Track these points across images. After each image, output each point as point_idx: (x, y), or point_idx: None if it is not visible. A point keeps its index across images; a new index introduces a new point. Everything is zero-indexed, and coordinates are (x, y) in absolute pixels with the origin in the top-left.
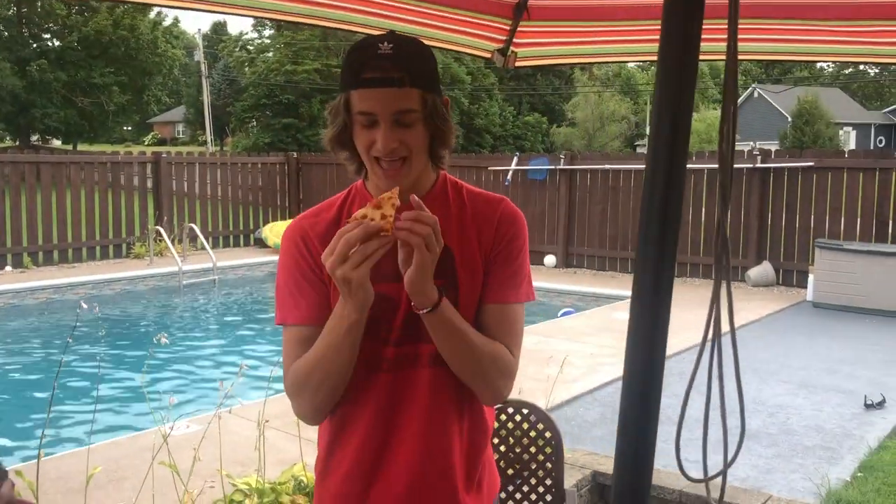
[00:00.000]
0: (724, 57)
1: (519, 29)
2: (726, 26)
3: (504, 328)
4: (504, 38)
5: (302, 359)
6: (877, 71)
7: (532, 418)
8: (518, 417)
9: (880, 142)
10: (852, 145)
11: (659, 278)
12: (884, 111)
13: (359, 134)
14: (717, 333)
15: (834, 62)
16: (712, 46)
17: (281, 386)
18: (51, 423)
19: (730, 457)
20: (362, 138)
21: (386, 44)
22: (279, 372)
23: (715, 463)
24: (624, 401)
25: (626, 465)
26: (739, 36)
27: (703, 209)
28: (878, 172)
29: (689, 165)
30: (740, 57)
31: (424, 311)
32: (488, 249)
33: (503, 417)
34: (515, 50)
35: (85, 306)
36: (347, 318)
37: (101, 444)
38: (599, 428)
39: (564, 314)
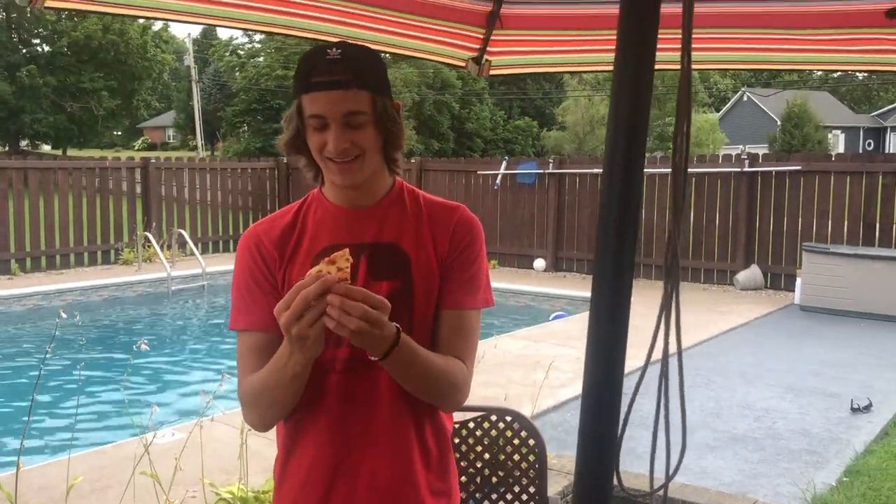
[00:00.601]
0: (714, 66)
1: (492, 37)
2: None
3: (459, 335)
4: (478, 46)
5: (250, 380)
6: (865, 75)
7: (515, 426)
8: (501, 425)
9: (869, 145)
10: (841, 148)
11: (618, 286)
12: (872, 114)
13: (311, 137)
14: (666, 351)
15: (797, 70)
16: (673, 56)
17: None
18: (34, 433)
19: (672, 468)
20: (314, 141)
21: (335, 49)
22: None
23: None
24: (584, 411)
25: (587, 471)
26: (701, 45)
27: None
28: (864, 176)
29: (662, 169)
30: (699, 67)
31: (379, 357)
32: (444, 255)
33: (486, 425)
34: (489, 58)
35: (64, 315)
36: (293, 368)
37: (84, 453)
38: None
39: (556, 317)
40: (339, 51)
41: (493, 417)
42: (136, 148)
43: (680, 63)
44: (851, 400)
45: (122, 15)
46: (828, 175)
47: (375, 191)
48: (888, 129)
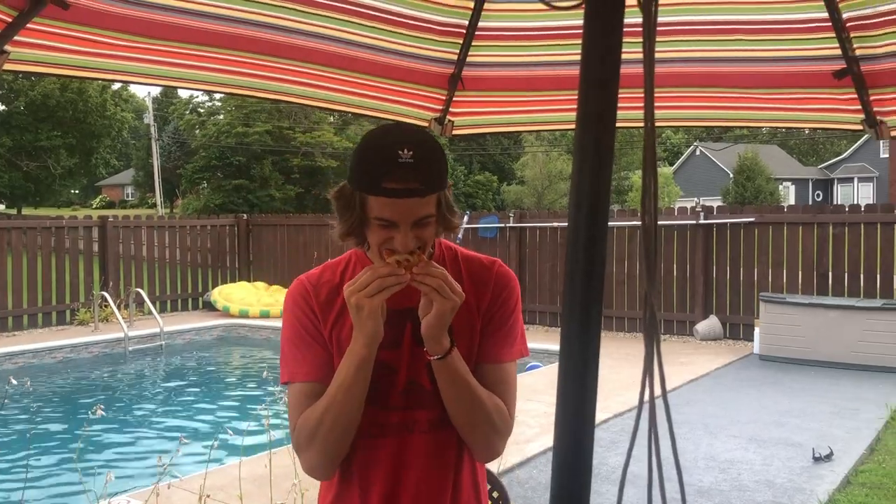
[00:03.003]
0: (668, 124)
1: (454, 99)
2: (643, 95)
3: (500, 388)
4: (440, 107)
5: (311, 408)
6: (791, 129)
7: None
8: None
9: (818, 196)
10: (792, 200)
11: (585, 338)
12: (819, 167)
13: (375, 232)
14: (653, 410)
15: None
16: (634, 115)
17: (223, 456)
18: None
19: None
20: (378, 235)
21: (406, 151)
22: (223, 445)
23: None
24: (555, 471)
25: None
26: (658, 104)
27: (639, 264)
28: (816, 227)
29: (624, 223)
30: (660, 124)
31: (435, 357)
32: (484, 310)
33: None
34: (452, 119)
35: (14, 381)
36: (357, 354)
37: None
38: None
39: (531, 368)
40: (411, 153)
41: None
42: (93, 206)
43: (644, 122)
44: (813, 449)
45: (82, 78)
46: (781, 226)
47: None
48: (835, 181)
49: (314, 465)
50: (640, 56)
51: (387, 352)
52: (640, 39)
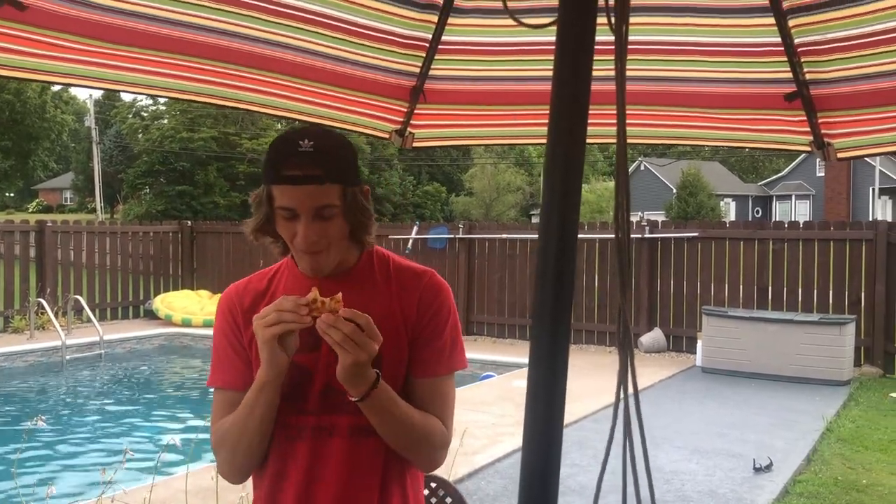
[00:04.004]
0: (610, 141)
1: (416, 111)
2: (614, 111)
3: (436, 402)
4: (401, 119)
5: (224, 419)
6: (743, 148)
7: (440, 493)
8: (426, 492)
9: (757, 212)
10: (732, 216)
11: (554, 349)
12: (759, 183)
13: (281, 225)
14: (628, 417)
15: (708, 146)
16: (598, 131)
17: (167, 468)
18: None
19: None
20: (285, 230)
21: (306, 141)
22: (167, 457)
23: None
24: (524, 476)
25: None
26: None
27: (597, 277)
28: (756, 243)
29: (580, 235)
30: (627, 140)
31: (355, 399)
32: (412, 322)
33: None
34: (413, 131)
35: None
36: (259, 378)
37: None
38: (502, 501)
39: (485, 377)
40: (311, 143)
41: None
42: (29, 210)
43: (616, 139)
44: (754, 460)
45: (35, 80)
46: (723, 241)
47: (344, 263)
48: (774, 198)
49: (223, 472)
50: (604, 74)
51: (304, 355)
52: (609, 57)
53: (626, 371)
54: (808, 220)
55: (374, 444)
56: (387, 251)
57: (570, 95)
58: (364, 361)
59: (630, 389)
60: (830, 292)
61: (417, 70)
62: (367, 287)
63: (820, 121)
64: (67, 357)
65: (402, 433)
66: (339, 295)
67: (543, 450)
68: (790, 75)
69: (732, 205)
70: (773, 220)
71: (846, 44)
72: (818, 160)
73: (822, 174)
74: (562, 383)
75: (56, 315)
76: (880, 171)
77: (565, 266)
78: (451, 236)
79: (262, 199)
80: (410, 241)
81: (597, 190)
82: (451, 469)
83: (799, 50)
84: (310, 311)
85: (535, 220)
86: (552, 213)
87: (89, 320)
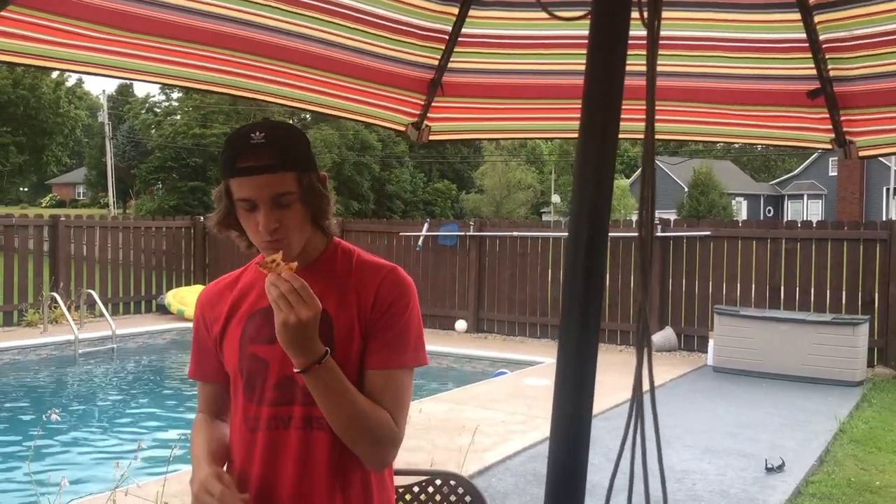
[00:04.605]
0: (636, 136)
1: (433, 104)
2: (640, 106)
3: (388, 395)
4: (418, 112)
5: (193, 430)
6: (763, 146)
7: (460, 490)
8: (446, 490)
9: (769, 211)
10: (744, 215)
11: (582, 349)
12: (771, 182)
13: (243, 217)
14: (642, 416)
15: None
16: (623, 126)
17: (179, 463)
18: None
19: None
20: (247, 221)
21: (258, 133)
22: (179, 451)
23: None
24: (551, 472)
25: None
26: (640, 116)
27: (609, 275)
28: (769, 242)
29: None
30: (637, 136)
31: (297, 370)
32: (367, 314)
33: (430, 490)
34: (429, 124)
35: None
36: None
37: None
38: (513, 499)
39: (498, 374)
40: (263, 134)
41: (438, 482)
42: (43, 205)
43: (644, 134)
44: (766, 460)
45: (52, 68)
46: (736, 240)
47: (308, 254)
48: (786, 197)
49: None
50: (630, 69)
51: (262, 346)
52: (637, 52)
53: (641, 368)
54: (820, 219)
55: (327, 436)
56: (353, 246)
57: (603, 90)
58: (293, 324)
59: (646, 388)
60: (843, 292)
61: (436, 62)
62: (327, 278)
63: (842, 118)
64: (80, 351)
65: (347, 419)
66: (295, 264)
67: (570, 445)
68: (814, 72)
69: (744, 204)
70: (786, 219)
71: (872, 41)
72: (831, 159)
73: (835, 174)
74: (590, 377)
75: (69, 309)
76: (895, 171)
77: (595, 262)
78: (462, 234)
79: (222, 193)
80: (421, 239)
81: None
82: (461, 466)
83: (824, 46)
84: (267, 270)
85: (545, 217)
86: (582, 209)
87: (102, 314)
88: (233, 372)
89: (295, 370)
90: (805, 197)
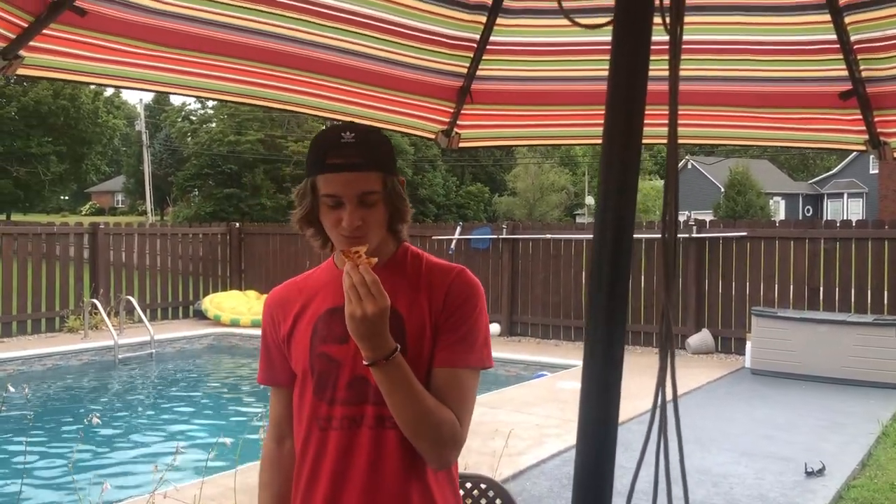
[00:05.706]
0: (661, 141)
1: (462, 111)
2: (665, 111)
3: (453, 394)
4: (448, 120)
5: (263, 455)
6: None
7: (490, 494)
8: (476, 493)
9: (808, 211)
10: (782, 215)
11: (609, 346)
12: (810, 182)
13: (325, 214)
14: (665, 421)
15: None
16: (650, 131)
17: (217, 466)
18: None
19: None
20: (329, 217)
21: (348, 133)
22: (217, 455)
23: None
24: (577, 477)
25: None
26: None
27: (643, 277)
28: (807, 242)
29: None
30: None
31: (366, 363)
32: (438, 315)
33: (461, 493)
34: (459, 131)
35: (13, 389)
36: None
37: None
38: (547, 503)
39: (537, 376)
40: (353, 135)
41: (468, 485)
42: (83, 213)
43: (667, 139)
44: (805, 464)
45: (95, 84)
46: (773, 241)
47: (380, 256)
48: (825, 196)
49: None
50: (656, 73)
51: (334, 346)
52: (662, 57)
53: (665, 371)
54: (860, 218)
55: (399, 435)
56: (421, 251)
57: (626, 96)
58: (359, 317)
59: (669, 392)
60: (885, 293)
61: (465, 71)
62: (398, 279)
63: (876, 119)
64: (120, 356)
65: (413, 415)
66: (375, 259)
67: (597, 449)
68: (845, 73)
69: (782, 203)
70: (825, 219)
71: None
72: (871, 157)
73: (876, 171)
74: (616, 381)
75: (109, 315)
76: None
77: (621, 264)
78: (495, 237)
79: (306, 190)
80: (454, 242)
81: (643, 189)
82: (495, 470)
83: (855, 47)
84: (348, 258)
85: (579, 220)
86: (607, 215)
87: (140, 320)
88: (301, 371)
89: (364, 363)
90: (845, 196)
